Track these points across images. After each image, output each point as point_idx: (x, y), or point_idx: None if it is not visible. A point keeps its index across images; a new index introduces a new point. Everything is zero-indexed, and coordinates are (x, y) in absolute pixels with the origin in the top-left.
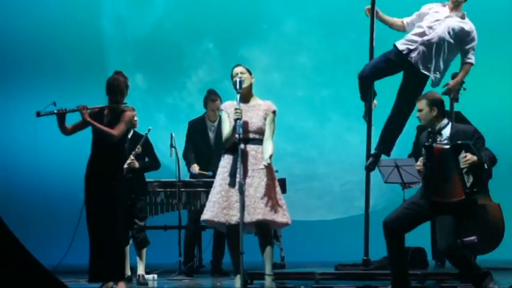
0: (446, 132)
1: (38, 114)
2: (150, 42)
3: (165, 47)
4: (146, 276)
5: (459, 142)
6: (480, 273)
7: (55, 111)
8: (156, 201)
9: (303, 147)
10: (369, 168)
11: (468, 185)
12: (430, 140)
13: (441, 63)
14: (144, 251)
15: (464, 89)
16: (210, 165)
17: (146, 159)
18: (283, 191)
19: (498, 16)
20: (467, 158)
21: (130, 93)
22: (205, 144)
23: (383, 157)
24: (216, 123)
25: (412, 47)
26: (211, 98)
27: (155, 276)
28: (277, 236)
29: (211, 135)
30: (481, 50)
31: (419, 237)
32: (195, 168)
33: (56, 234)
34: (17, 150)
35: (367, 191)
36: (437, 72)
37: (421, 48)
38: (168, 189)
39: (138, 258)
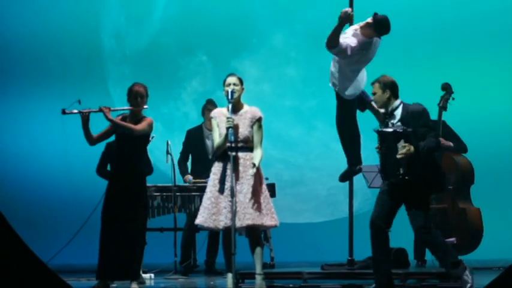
0: (398, 113)
1: (63, 112)
2: (147, 56)
3: (161, 59)
4: (143, 276)
5: (399, 130)
6: (454, 261)
7: (80, 111)
8: (153, 205)
9: (291, 154)
10: (341, 179)
11: (401, 171)
12: (384, 123)
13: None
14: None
15: (453, 98)
16: (207, 172)
17: None
18: (273, 195)
19: (497, 18)
20: (404, 148)
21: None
22: (202, 152)
23: (367, 163)
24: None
25: None
26: (209, 107)
27: (152, 275)
28: (267, 237)
29: (208, 143)
30: (481, 51)
31: (401, 238)
32: (188, 178)
33: (57, 235)
34: (18, 152)
35: (351, 196)
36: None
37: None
38: (164, 194)
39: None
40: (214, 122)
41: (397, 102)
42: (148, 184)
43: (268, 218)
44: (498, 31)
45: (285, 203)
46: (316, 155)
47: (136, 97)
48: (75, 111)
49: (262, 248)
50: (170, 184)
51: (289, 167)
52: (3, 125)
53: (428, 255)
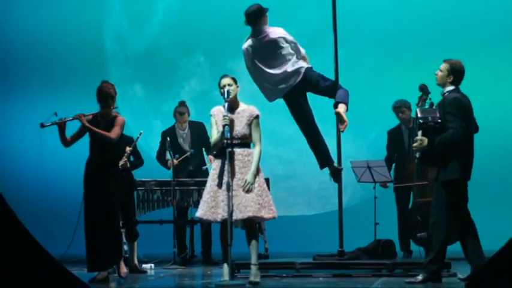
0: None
1: (42, 125)
2: (148, 57)
3: (161, 60)
4: (144, 266)
5: (420, 121)
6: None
7: (56, 122)
8: (153, 198)
9: (284, 150)
10: (334, 180)
11: (417, 155)
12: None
13: None
14: (136, 243)
15: (430, 99)
16: (187, 167)
17: (131, 158)
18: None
19: (497, 18)
20: (418, 141)
21: (130, 101)
22: (177, 150)
23: (356, 158)
24: (186, 131)
25: None
26: (179, 110)
27: (152, 265)
28: (261, 229)
29: (180, 141)
30: (480, 51)
31: (389, 230)
32: (172, 162)
33: (58, 230)
34: (19, 154)
35: (340, 190)
36: None
37: None
38: (164, 188)
39: (130, 251)
40: (212, 120)
41: (451, 87)
42: (148, 179)
43: (267, 211)
44: (498, 31)
45: (279, 197)
46: (308, 151)
47: (107, 98)
48: (52, 122)
49: (258, 240)
50: (169, 179)
51: (282, 162)
52: (11, 125)
53: (414, 247)
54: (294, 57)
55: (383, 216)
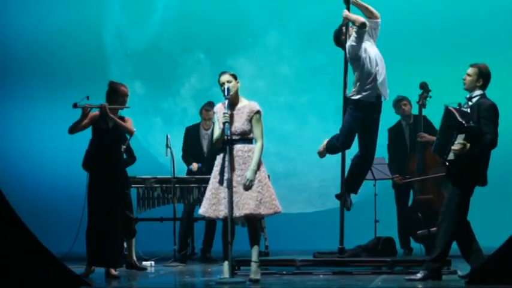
0: (473, 101)
1: (75, 105)
2: (148, 54)
3: (161, 57)
4: (144, 263)
5: (465, 124)
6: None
7: (86, 106)
8: (153, 196)
9: (284, 148)
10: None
11: (449, 157)
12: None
13: None
14: (134, 240)
15: (430, 96)
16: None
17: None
18: None
19: (496, 19)
20: (460, 145)
21: (130, 99)
22: (198, 150)
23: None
24: (209, 131)
25: None
26: (207, 108)
27: (152, 262)
28: (262, 227)
29: (203, 142)
30: (480, 50)
31: (389, 227)
32: (195, 166)
33: (59, 229)
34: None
35: (342, 187)
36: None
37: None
38: (164, 185)
39: (128, 248)
40: (215, 117)
41: (480, 91)
42: (148, 176)
43: (267, 207)
44: (499, 30)
45: (279, 194)
46: (309, 149)
47: (124, 97)
48: (83, 105)
49: (259, 237)
50: (170, 176)
51: (282, 160)
52: (11, 124)
53: (414, 244)
54: None
55: (383, 214)
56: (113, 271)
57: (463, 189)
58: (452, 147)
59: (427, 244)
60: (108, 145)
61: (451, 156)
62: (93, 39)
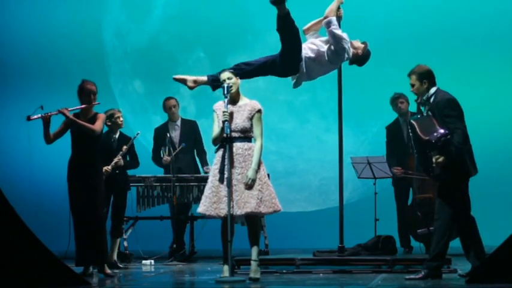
0: (432, 100)
1: (28, 118)
2: (147, 52)
3: (161, 56)
4: (144, 262)
5: (433, 142)
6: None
7: (42, 115)
8: (153, 194)
9: (284, 146)
10: None
11: (434, 171)
12: (418, 111)
13: None
14: (119, 240)
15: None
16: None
17: (127, 158)
18: None
19: (496, 19)
20: (439, 161)
21: (129, 97)
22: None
23: (357, 155)
24: (178, 122)
25: None
26: (165, 101)
27: (152, 261)
28: (261, 225)
29: (172, 135)
30: (480, 49)
31: (389, 226)
32: (167, 159)
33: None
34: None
35: (341, 186)
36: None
37: None
38: (164, 184)
39: (111, 246)
40: (214, 115)
41: (434, 89)
42: (148, 175)
43: (267, 205)
44: (498, 29)
45: (279, 193)
46: (308, 147)
47: (89, 95)
48: (38, 116)
49: (259, 236)
50: (169, 175)
51: (282, 158)
52: (12, 123)
53: (414, 243)
54: None
55: (383, 212)
56: (107, 270)
57: (455, 185)
58: (434, 166)
59: (427, 243)
60: (82, 142)
61: (436, 171)
62: (93, 37)
